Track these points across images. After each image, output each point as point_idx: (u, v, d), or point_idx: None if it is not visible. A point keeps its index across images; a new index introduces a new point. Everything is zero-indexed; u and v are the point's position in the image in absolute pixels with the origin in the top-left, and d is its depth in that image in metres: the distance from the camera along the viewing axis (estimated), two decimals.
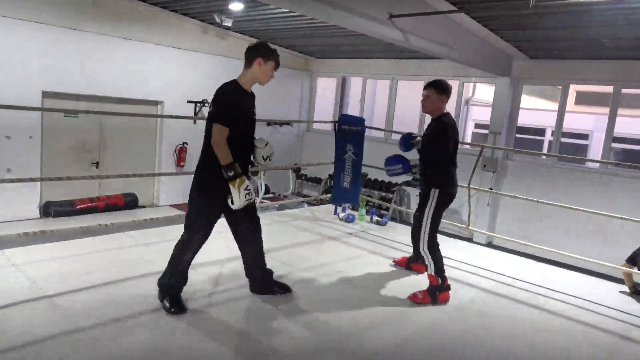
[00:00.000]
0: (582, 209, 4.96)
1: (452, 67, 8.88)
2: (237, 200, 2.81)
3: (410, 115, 10.21)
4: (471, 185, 5.24)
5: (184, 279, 3.04)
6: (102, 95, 8.15)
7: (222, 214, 3.06)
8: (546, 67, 8.25)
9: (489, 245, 7.95)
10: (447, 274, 3.52)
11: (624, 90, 7.99)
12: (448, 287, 3.50)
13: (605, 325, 3.40)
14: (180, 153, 9.32)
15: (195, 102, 9.40)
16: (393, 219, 9.16)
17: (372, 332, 2.99)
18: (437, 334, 3.07)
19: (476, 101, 14.17)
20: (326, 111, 11.61)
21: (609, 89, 7.99)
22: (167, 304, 2.95)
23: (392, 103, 10.48)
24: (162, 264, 3.10)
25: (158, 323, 2.83)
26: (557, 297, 3.87)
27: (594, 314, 3.59)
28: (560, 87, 8.45)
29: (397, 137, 10.86)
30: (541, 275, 4.36)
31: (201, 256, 3.16)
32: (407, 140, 3.87)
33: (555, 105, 8.75)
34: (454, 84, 9.81)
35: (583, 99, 17.50)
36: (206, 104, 9.51)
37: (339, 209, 5.82)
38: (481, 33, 7.11)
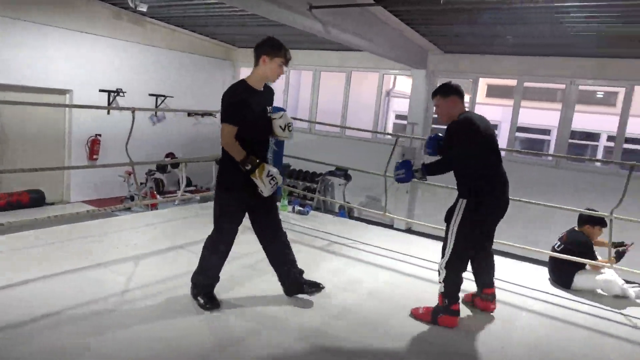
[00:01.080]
0: None
1: (372, 59, 9.11)
2: (264, 188, 2.88)
3: (334, 107, 10.37)
4: (389, 175, 5.42)
5: (215, 276, 3.10)
6: (2, 82, 7.45)
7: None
8: (458, 61, 8.72)
9: (408, 231, 8.34)
10: (369, 259, 3.57)
11: (526, 84, 8.65)
12: (454, 313, 3.11)
13: (516, 302, 3.70)
14: (93, 145, 8.77)
15: (109, 91, 8.87)
16: (317, 209, 9.28)
17: (278, 323, 3.02)
18: (350, 317, 3.16)
19: (397, 93, 14.66)
20: None
21: (514, 82, 8.61)
22: (202, 301, 3.04)
23: (315, 94, 10.57)
24: (67, 263, 2.91)
25: (62, 328, 2.66)
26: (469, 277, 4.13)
27: (510, 293, 3.88)
28: (471, 80, 8.96)
29: (321, 127, 10.98)
30: None
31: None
32: (434, 141, 3.38)
33: (467, 98, 9.27)
34: (373, 76, 10.21)
35: (493, 91, 18.73)
36: (121, 93, 9.02)
37: None
38: (399, 27, 7.36)
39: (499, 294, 3.71)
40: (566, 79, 7.95)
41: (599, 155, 14.11)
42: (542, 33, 6.71)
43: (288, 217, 5.54)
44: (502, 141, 13.62)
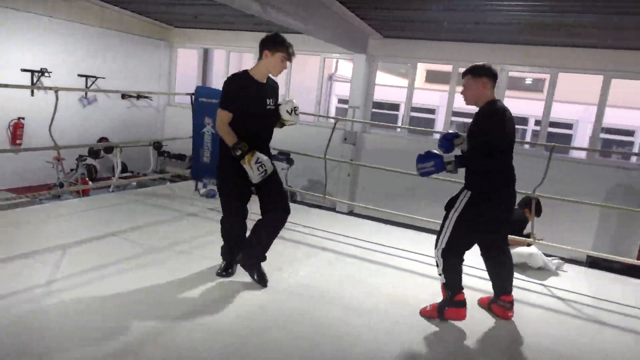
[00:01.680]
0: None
1: (313, 42, 9.04)
2: (252, 174, 2.96)
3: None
4: (330, 157, 5.46)
5: (237, 249, 3.34)
6: None
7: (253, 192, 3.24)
8: (397, 46, 8.87)
9: (350, 213, 8.48)
10: (314, 242, 3.59)
11: (461, 69, 8.95)
12: (460, 304, 2.96)
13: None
14: (15, 130, 8.15)
15: (32, 71, 8.26)
16: None
17: (210, 309, 3.00)
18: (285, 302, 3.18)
19: (339, 77, 14.74)
20: (190, 85, 11.07)
21: (450, 68, 8.89)
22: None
23: (225, 74, 10.36)
24: None
25: None
26: (403, 255, 4.28)
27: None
28: (409, 65, 9.15)
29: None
30: (391, 237, 4.77)
31: None
32: (447, 141, 3.18)
33: (405, 82, 9.47)
34: (315, 60, 10.18)
35: (432, 77, 19.27)
36: (46, 74, 8.43)
37: (200, 184, 5.66)
38: (339, 10, 7.35)
39: (434, 271, 3.86)
40: (496, 65, 8.30)
41: (528, 139, 14.96)
42: (473, 20, 6.95)
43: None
44: (439, 126, 14.18)
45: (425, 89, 17.11)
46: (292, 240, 4.36)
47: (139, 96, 10.11)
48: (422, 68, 19.17)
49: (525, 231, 4.54)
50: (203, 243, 4.03)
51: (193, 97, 4.99)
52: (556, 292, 3.82)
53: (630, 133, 13.95)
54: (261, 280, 3.27)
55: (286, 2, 6.17)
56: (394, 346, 2.68)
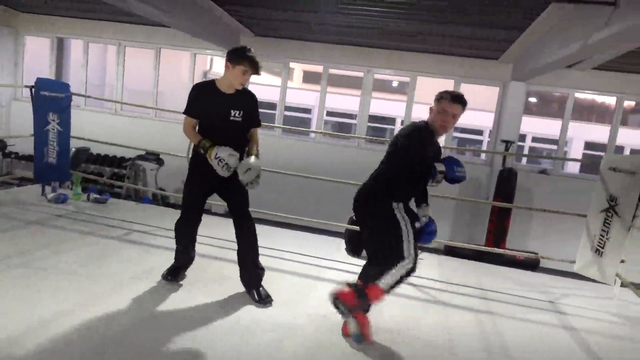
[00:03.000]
0: (304, 174, 5.46)
1: (182, 37, 8.67)
2: (217, 169, 2.98)
3: (147, 86, 9.60)
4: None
5: (188, 258, 3.39)
6: None
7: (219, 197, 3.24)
8: (269, 45, 8.86)
9: (227, 214, 8.28)
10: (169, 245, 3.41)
11: (333, 71, 9.26)
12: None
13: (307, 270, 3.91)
14: None
15: None
16: (128, 197, 8.59)
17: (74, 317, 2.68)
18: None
19: (214, 74, 14.34)
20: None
21: (321, 68, 9.12)
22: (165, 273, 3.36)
23: (121, 71, 9.65)
24: None
25: None
26: (266, 252, 4.25)
27: (309, 265, 4.09)
28: (282, 64, 9.21)
29: (131, 109, 10.08)
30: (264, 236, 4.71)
31: None
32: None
33: (279, 82, 9.50)
34: (184, 55, 9.76)
35: (309, 77, 19.75)
36: None
37: (48, 188, 5.05)
38: (208, 5, 7.11)
39: (295, 267, 3.90)
40: (364, 67, 8.74)
41: None
42: (337, 23, 7.20)
43: (82, 207, 4.95)
44: (313, 125, 14.57)
45: (303, 89, 17.47)
46: (152, 245, 4.08)
47: None
48: (299, 68, 19.55)
49: None
50: (46, 255, 3.58)
51: (33, 90, 4.41)
52: (411, 279, 4.08)
53: (479, 132, 15.69)
54: (266, 299, 3.22)
55: None
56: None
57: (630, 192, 3.47)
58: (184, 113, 3.13)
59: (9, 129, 9.72)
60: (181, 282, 3.35)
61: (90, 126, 7.83)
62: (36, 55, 10.14)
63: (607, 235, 3.70)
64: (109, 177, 8.96)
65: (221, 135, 3.07)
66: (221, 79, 3.10)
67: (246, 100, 3.17)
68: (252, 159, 3.10)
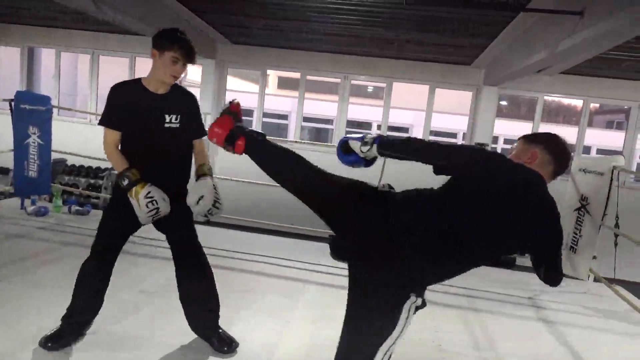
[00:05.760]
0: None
1: None
2: (139, 212, 2.30)
3: None
4: None
5: (85, 312, 2.54)
6: None
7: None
8: (247, 52, 8.92)
9: (208, 223, 8.26)
10: (157, 254, 3.36)
11: (310, 77, 9.37)
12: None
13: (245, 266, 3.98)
14: None
15: None
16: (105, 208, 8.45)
17: None
18: None
19: (189, 82, 14.28)
20: (12, 89, 9.66)
21: (299, 75, 9.22)
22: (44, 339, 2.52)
23: (95, 81, 9.53)
24: None
25: None
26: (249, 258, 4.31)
27: (297, 270, 4.16)
28: (260, 72, 9.27)
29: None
30: (249, 244, 4.77)
31: None
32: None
33: (256, 89, 9.56)
34: None
35: (284, 83, 19.83)
36: None
37: (27, 202, 4.98)
38: (185, 15, 7.12)
39: (285, 272, 3.97)
40: (341, 74, 8.88)
41: None
42: (310, 29, 7.30)
43: (64, 219, 4.90)
44: (291, 133, 14.65)
45: (278, 95, 17.55)
46: (141, 254, 4.09)
47: None
48: (274, 74, 19.61)
49: None
50: (29, 267, 3.55)
51: (12, 103, 4.36)
52: None
53: (454, 135, 16.09)
54: (230, 345, 2.63)
55: (125, 3, 5.77)
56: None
57: (600, 192, 3.67)
58: (100, 124, 2.38)
59: None
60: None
61: (64, 137, 7.71)
62: (5, 64, 9.91)
63: (579, 233, 3.90)
64: (84, 188, 8.82)
65: (153, 149, 2.38)
66: (149, 76, 2.41)
67: (183, 101, 2.46)
68: (202, 181, 2.41)
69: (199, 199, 2.34)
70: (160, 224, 2.46)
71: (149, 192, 2.27)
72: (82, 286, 2.51)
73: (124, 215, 2.38)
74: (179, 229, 2.51)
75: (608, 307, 4.07)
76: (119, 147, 2.40)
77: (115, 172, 2.38)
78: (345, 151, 1.90)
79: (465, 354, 2.99)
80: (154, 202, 2.28)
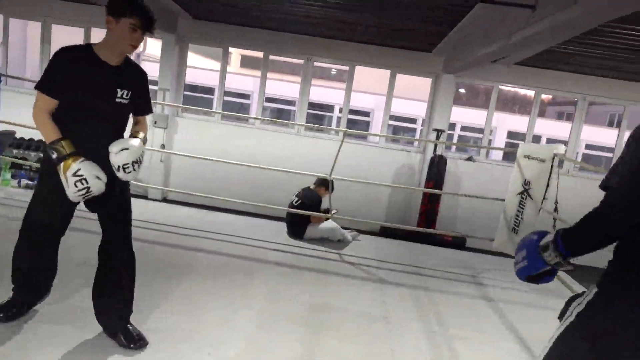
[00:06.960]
0: (243, 163, 5.52)
1: None
2: (67, 189, 2.13)
3: None
4: None
5: (34, 289, 2.53)
6: None
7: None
8: (208, 28, 8.74)
9: (165, 200, 8.18)
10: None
11: (273, 57, 9.30)
12: None
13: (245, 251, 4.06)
14: None
15: None
16: None
17: None
18: None
19: (148, 56, 13.86)
20: None
21: (262, 54, 9.14)
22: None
23: (46, 51, 9.10)
24: None
25: None
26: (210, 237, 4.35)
27: (252, 247, 4.22)
28: (221, 49, 9.13)
29: None
30: (208, 222, 4.79)
31: None
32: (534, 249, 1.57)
33: (218, 66, 9.40)
34: None
35: (247, 62, 19.56)
36: None
37: None
38: None
39: (241, 250, 4.02)
40: (304, 55, 8.87)
41: (333, 125, 16.37)
42: (276, 10, 7.25)
43: (12, 193, 4.75)
44: (253, 112, 14.59)
45: (241, 74, 17.30)
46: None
47: None
48: (237, 53, 19.28)
49: (323, 206, 5.04)
50: None
51: None
52: (349, 258, 4.36)
53: (413, 121, 16.40)
54: (138, 341, 2.40)
55: None
56: None
57: (541, 177, 3.92)
58: (37, 88, 2.18)
59: None
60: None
61: (12, 108, 7.38)
62: None
63: (521, 215, 4.15)
64: (35, 162, 8.50)
65: (99, 124, 2.24)
66: (101, 43, 2.21)
67: (136, 78, 2.34)
68: (133, 139, 2.28)
69: (122, 149, 2.20)
70: (90, 203, 2.29)
71: (78, 170, 2.09)
72: (19, 264, 2.51)
73: (59, 191, 2.17)
74: (113, 220, 2.38)
75: (545, 285, 4.36)
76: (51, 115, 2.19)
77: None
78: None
79: (410, 325, 3.16)
80: (83, 181, 2.10)
